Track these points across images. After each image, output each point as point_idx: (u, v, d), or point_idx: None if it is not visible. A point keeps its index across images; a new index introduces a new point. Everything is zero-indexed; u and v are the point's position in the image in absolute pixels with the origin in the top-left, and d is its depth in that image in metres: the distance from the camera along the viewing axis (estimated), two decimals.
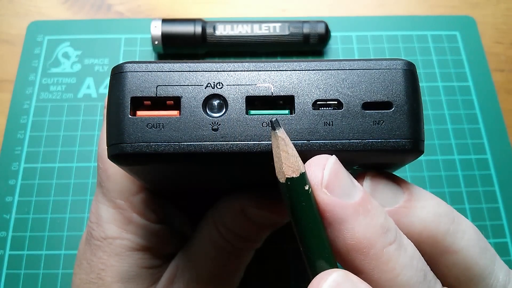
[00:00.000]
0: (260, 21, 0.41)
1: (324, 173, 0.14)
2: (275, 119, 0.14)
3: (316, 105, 0.15)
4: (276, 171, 0.14)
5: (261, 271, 0.33)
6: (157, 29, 0.39)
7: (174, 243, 0.24)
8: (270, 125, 0.14)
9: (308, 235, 0.14)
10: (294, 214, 0.14)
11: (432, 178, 0.37)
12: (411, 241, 0.15)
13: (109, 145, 0.15)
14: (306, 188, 0.14)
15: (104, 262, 0.22)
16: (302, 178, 0.14)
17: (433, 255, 0.16)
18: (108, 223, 0.22)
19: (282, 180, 0.14)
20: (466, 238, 0.16)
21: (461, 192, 0.37)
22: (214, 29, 0.40)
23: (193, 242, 0.23)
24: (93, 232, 0.23)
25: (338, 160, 0.15)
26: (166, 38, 0.39)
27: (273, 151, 0.14)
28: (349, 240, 0.14)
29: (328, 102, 0.15)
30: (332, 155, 0.15)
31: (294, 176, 0.14)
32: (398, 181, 0.16)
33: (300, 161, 0.14)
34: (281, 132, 0.14)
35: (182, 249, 0.23)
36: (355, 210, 0.14)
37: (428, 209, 0.16)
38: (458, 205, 0.37)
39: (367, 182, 0.16)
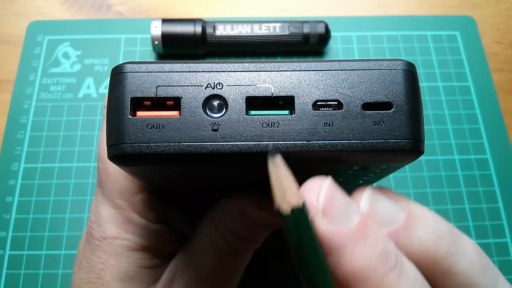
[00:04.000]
0: (260, 21, 0.41)
1: (320, 199, 0.14)
2: (271, 145, 0.14)
3: (316, 105, 0.15)
4: (277, 202, 0.13)
5: (261, 271, 0.33)
6: (157, 29, 0.39)
7: (174, 243, 0.24)
8: (268, 154, 0.14)
9: (313, 266, 0.13)
10: (300, 245, 0.13)
11: (432, 178, 0.37)
12: (411, 261, 0.15)
13: (109, 145, 0.15)
14: (309, 216, 0.13)
15: (103, 261, 0.22)
16: (304, 206, 0.13)
17: (434, 275, 0.15)
18: (108, 223, 0.22)
19: (287, 210, 0.13)
20: (468, 259, 0.15)
21: (461, 192, 0.37)
22: (214, 29, 0.40)
23: (192, 242, 0.23)
24: (93, 231, 0.23)
25: (333, 182, 0.14)
26: (166, 38, 0.39)
27: (272, 181, 0.14)
28: (349, 268, 0.13)
29: (328, 103, 0.15)
30: (327, 176, 0.14)
31: (299, 205, 0.13)
32: (397, 198, 0.16)
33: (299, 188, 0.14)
34: (280, 159, 0.14)
35: (181, 249, 0.23)
36: (354, 237, 0.14)
37: (427, 229, 0.15)
38: (458, 205, 0.37)
39: (365, 201, 0.16)
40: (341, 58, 0.41)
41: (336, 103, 0.15)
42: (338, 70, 0.15)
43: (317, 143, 0.15)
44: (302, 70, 0.15)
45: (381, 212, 0.15)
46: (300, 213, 0.13)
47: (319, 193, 0.14)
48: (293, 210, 0.13)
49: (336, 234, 0.14)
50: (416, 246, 0.15)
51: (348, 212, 0.14)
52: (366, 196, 0.16)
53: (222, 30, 0.40)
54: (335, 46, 0.43)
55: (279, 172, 0.14)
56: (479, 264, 0.15)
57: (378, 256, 0.14)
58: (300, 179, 0.20)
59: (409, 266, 0.14)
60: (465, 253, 0.15)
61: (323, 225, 0.14)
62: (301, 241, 0.13)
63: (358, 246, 0.14)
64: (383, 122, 0.15)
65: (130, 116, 0.15)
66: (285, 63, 0.15)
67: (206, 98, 0.15)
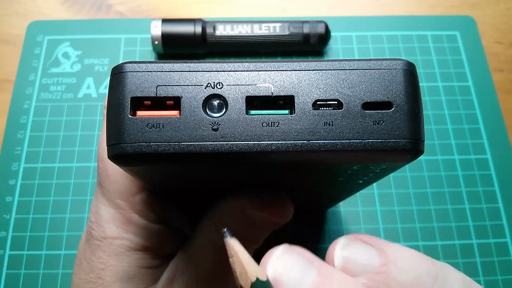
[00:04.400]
0: (260, 21, 0.41)
1: (269, 272, 0.14)
2: (226, 229, 0.15)
3: (316, 105, 0.15)
4: (247, 278, 0.14)
5: None
6: (157, 29, 0.39)
7: (173, 243, 0.24)
8: (224, 235, 0.14)
9: None
10: None
11: (432, 178, 0.37)
12: None
13: (109, 145, 0.15)
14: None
15: (103, 261, 0.22)
16: (267, 281, 0.14)
17: None
18: (108, 223, 0.22)
19: (263, 278, 0.13)
20: None
21: (461, 192, 0.37)
22: (214, 29, 0.40)
23: (192, 242, 0.23)
24: (93, 231, 0.23)
25: (286, 248, 0.14)
26: (166, 38, 0.39)
27: (237, 261, 0.14)
28: None
29: (328, 102, 0.15)
30: (279, 246, 0.14)
31: (261, 281, 0.13)
32: (372, 243, 0.15)
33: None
34: (235, 241, 0.14)
35: (181, 249, 0.23)
36: None
37: (407, 270, 0.14)
38: (458, 205, 0.37)
39: (338, 251, 0.15)
40: (341, 58, 0.41)
41: (336, 102, 0.15)
42: (338, 69, 0.15)
43: (317, 142, 0.15)
44: (302, 70, 0.15)
45: (356, 260, 0.15)
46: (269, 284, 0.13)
47: (267, 267, 0.14)
48: (267, 280, 0.13)
49: None
50: None
51: (303, 275, 0.14)
52: (339, 247, 0.15)
53: (222, 30, 0.40)
54: (335, 46, 0.43)
55: (237, 253, 0.14)
56: None
57: None
58: (300, 180, 0.21)
59: None
60: None
61: None
62: None
63: None
64: (383, 121, 0.15)
65: (130, 116, 0.15)
66: (285, 63, 0.15)
67: (206, 98, 0.15)
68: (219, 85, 0.15)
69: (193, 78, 0.15)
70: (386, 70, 0.15)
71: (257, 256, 0.24)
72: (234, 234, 0.21)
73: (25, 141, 0.37)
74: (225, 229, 0.14)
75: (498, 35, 0.44)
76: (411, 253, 0.15)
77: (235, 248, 0.14)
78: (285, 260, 0.14)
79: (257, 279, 0.13)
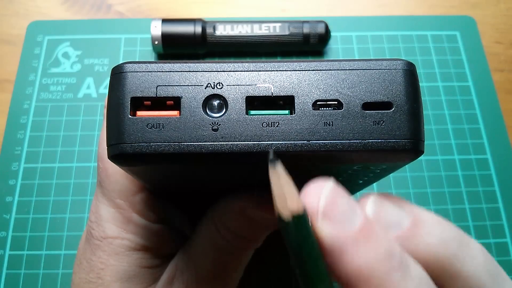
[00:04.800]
0: (260, 21, 0.41)
1: (321, 202, 0.14)
2: (272, 153, 0.14)
3: (316, 105, 0.15)
4: (278, 209, 0.13)
5: (261, 271, 0.33)
6: (157, 29, 0.39)
7: (174, 243, 0.24)
8: (269, 161, 0.14)
9: (313, 272, 0.13)
10: (300, 251, 0.13)
11: (432, 178, 0.37)
12: (418, 263, 0.15)
13: (109, 145, 0.15)
14: (310, 220, 0.13)
15: (103, 261, 0.22)
16: (305, 211, 0.13)
17: (442, 279, 0.15)
18: (107, 223, 0.22)
19: (288, 216, 0.13)
20: (475, 263, 0.15)
21: (461, 192, 0.37)
22: (214, 29, 0.40)
23: (192, 242, 0.23)
24: (93, 231, 0.23)
25: (336, 185, 0.14)
26: (166, 38, 0.39)
27: (273, 187, 0.14)
28: (350, 269, 0.13)
29: (328, 102, 0.15)
30: (329, 178, 0.14)
31: (300, 210, 0.13)
32: (402, 204, 0.16)
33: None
34: (280, 166, 0.13)
35: (181, 249, 0.23)
36: (355, 238, 0.13)
37: (434, 234, 0.15)
38: (458, 205, 0.37)
39: (370, 205, 0.15)
40: (341, 58, 0.41)
41: (336, 102, 0.15)
42: (338, 69, 0.15)
43: (317, 142, 0.15)
44: (302, 70, 0.15)
45: (386, 217, 0.15)
46: (302, 219, 0.13)
47: (320, 197, 0.14)
48: (294, 216, 0.13)
49: (338, 237, 0.13)
50: (422, 251, 0.15)
51: (351, 215, 0.14)
52: (371, 201, 0.15)
53: (222, 30, 0.40)
54: (335, 46, 0.43)
55: (280, 179, 0.13)
56: (487, 268, 0.15)
57: (381, 256, 0.13)
58: (300, 179, 0.21)
59: (415, 267, 0.14)
60: (473, 257, 0.15)
61: (325, 228, 0.14)
62: (301, 246, 0.13)
63: (360, 247, 0.13)
64: (383, 121, 0.15)
65: (130, 116, 0.15)
66: (285, 63, 0.15)
67: (206, 98, 0.15)
68: (219, 85, 0.15)
69: (193, 78, 0.15)
70: (386, 70, 0.15)
71: (257, 257, 0.24)
72: (233, 234, 0.21)
73: (25, 141, 0.37)
74: (271, 155, 0.14)
75: (498, 35, 0.44)
76: (439, 219, 0.16)
77: (272, 178, 0.14)
78: (335, 195, 0.14)
79: (279, 216, 0.13)
